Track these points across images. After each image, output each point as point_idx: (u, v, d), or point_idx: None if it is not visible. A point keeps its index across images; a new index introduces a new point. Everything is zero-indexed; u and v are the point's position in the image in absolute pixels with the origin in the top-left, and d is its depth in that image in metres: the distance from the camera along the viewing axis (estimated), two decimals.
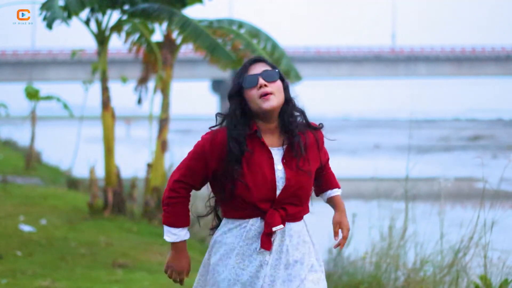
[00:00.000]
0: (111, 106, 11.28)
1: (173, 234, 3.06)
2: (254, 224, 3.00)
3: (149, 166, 11.78)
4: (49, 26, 9.55)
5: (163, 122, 11.73)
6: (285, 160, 3.00)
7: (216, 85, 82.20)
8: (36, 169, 20.48)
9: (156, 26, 12.04)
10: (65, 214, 11.12)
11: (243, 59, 11.08)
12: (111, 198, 11.00)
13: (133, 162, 14.14)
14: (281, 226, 2.98)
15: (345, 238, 3.22)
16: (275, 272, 3.01)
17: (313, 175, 3.10)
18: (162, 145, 11.61)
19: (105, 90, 11.30)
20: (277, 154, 3.02)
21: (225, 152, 2.97)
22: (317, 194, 3.35)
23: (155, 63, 12.07)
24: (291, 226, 3.04)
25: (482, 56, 77.09)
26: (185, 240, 3.10)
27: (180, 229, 3.07)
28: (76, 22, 11.20)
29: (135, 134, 57.54)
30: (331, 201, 3.33)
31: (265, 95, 2.97)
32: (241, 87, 3.05)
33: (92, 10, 11.05)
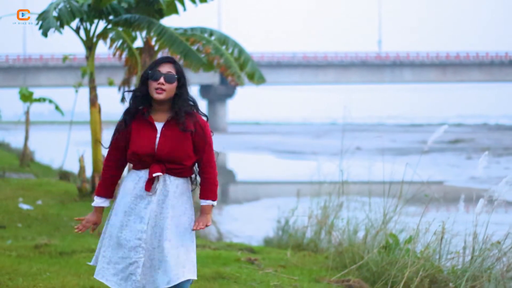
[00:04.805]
0: (98, 103, 12.90)
1: (99, 201, 4.28)
2: (144, 174, 4.10)
3: None
4: (45, 34, 11.12)
5: None
6: (164, 129, 4.07)
7: (205, 90, 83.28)
8: (30, 166, 21.90)
9: (137, 33, 13.65)
10: (58, 197, 12.74)
11: (212, 63, 12.73)
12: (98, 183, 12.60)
13: None
14: (159, 173, 4.06)
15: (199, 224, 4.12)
16: (162, 210, 4.08)
17: (192, 145, 4.10)
18: None
19: (92, 89, 12.93)
20: (159, 126, 4.10)
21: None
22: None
23: (136, 66, 13.69)
24: (171, 179, 4.11)
25: (466, 62, 77.53)
26: (102, 207, 4.27)
27: (102, 198, 4.26)
28: (67, 30, 12.75)
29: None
30: (202, 208, 4.20)
31: (158, 90, 4.05)
32: (149, 76, 4.11)
33: (81, 20, 12.66)
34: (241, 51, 13.01)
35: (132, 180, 4.14)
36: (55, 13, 11.57)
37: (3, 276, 6.26)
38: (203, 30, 13.12)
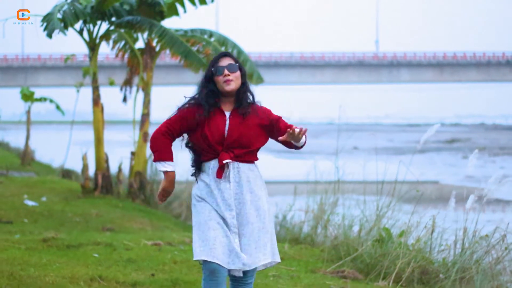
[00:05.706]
0: (101, 102, 13.24)
1: (168, 165, 4.25)
2: (215, 164, 4.24)
3: (133, 154, 13.79)
4: (49, 35, 11.46)
5: (145, 116, 13.78)
6: (231, 117, 4.26)
7: None
8: (31, 165, 22.17)
9: (139, 35, 13.99)
10: (62, 194, 13.08)
11: None
12: (101, 180, 12.96)
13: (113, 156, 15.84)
14: (229, 160, 4.21)
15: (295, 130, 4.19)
16: (241, 196, 4.24)
17: (259, 129, 4.31)
18: (144, 136, 13.63)
19: (95, 89, 13.28)
20: (227, 114, 4.28)
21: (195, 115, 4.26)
22: (289, 145, 4.38)
23: (138, 67, 14.04)
24: (240, 165, 4.27)
25: (463, 62, 77.27)
26: (173, 172, 4.26)
27: (170, 162, 4.26)
28: (68, 31, 13.07)
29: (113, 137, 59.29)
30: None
31: (227, 81, 4.24)
32: (213, 73, 4.28)
33: (85, 22, 13.01)
34: (240, 52, 13.36)
35: (208, 174, 4.30)
36: (59, 15, 11.92)
37: (15, 267, 6.57)
38: (203, 31, 13.49)
